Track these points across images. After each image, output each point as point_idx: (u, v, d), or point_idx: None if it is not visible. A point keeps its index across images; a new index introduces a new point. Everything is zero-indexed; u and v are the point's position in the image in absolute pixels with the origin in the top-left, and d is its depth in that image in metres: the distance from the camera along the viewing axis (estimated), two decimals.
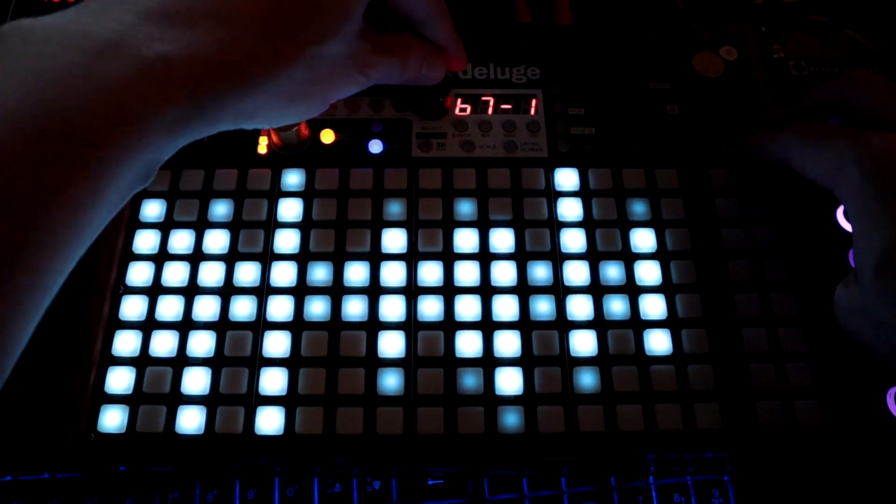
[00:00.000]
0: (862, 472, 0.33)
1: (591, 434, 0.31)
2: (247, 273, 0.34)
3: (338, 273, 0.34)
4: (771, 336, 0.33)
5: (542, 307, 0.33)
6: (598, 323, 0.33)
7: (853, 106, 0.31)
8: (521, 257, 0.34)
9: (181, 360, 0.32)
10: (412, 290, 0.34)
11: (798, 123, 0.32)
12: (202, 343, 0.32)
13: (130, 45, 0.22)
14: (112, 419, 0.31)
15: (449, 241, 0.35)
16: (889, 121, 0.29)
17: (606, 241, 0.35)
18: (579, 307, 0.33)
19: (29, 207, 0.20)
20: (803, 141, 0.31)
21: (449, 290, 0.34)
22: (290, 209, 0.35)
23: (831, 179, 0.29)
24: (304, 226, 0.35)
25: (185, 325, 0.33)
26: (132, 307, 0.33)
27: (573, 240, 0.35)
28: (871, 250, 0.26)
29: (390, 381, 0.32)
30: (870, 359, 0.32)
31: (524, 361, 0.32)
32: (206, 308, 0.33)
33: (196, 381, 0.32)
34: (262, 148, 0.37)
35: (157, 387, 0.31)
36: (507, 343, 0.32)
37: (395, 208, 0.35)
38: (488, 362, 0.32)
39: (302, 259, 0.34)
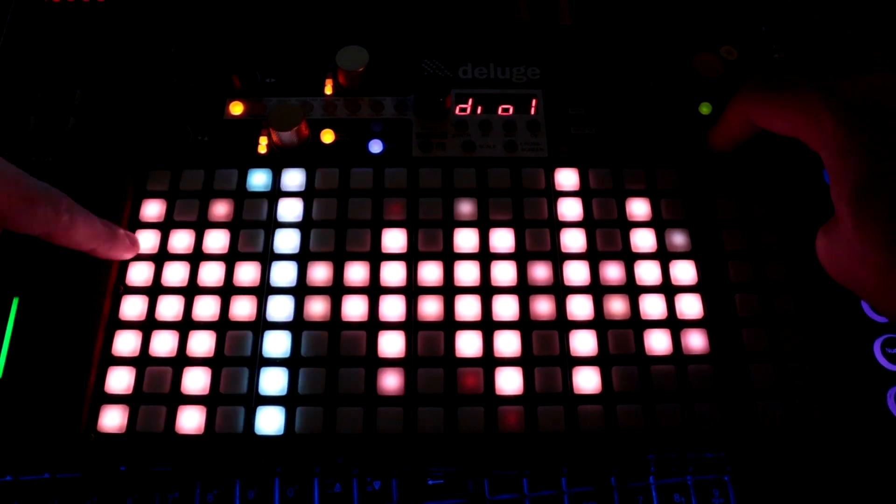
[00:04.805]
0: (862, 472, 0.33)
1: (591, 434, 0.31)
2: (247, 273, 0.34)
3: (338, 273, 0.34)
4: (771, 336, 0.33)
5: (542, 307, 0.33)
6: (598, 323, 0.33)
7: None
8: (521, 257, 0.34)
9: (181, 360, 0.32)
10: (412, 290, 0.34)
11: (751, 78, 0.32)
12: (202, 343, 0.32)
13: None
14: (112, 419, 0.31)
15: (449, 241, 0.35)
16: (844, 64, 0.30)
17: (606, 241, 0.35)
18: (579, 307, 0.33)
19: None
20: (763, 95, 0.31)
21: (449, 290, 0.34)
22: (290, 209, 0.35)
23: (801, 130, 0.30)
24: (304, 226, 0.35)
25: (185, 325, 0.33)
26: (132, 307, 0.33)
27: (573, 240, 0.35)
28: (846, 185, 0.27)
29: (390, 381, 0.32)
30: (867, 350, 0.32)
31: (524, 361, 0.32)
32: (206, 308, 0.33)
33: (196, 381, 0.32)
34: (262, 148, 0.37)
35: (157, 387, 0.31)
36: (507, 343, 0.32)
37: (394, 210, 0.35)
38: (488, 362, 0.32)
39: (302, 259, 0.34)
